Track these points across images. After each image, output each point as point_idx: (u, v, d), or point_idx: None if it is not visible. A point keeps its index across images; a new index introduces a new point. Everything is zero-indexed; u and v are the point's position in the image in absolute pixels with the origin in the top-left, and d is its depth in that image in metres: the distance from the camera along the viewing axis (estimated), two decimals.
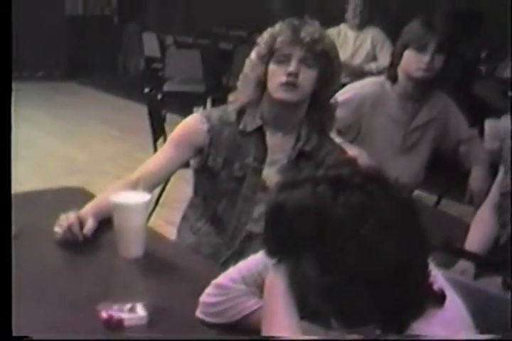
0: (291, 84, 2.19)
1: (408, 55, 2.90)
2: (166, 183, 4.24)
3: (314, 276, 1.24)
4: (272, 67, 2.24)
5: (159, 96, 7.77)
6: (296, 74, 2.19)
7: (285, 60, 2.21)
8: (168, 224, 4.10)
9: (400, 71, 2.98)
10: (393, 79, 3.02)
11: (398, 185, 1.30)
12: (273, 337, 1.37)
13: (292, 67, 2.19)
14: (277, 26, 2.27)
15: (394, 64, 3.00)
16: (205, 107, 7.60)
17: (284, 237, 1.27)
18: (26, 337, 1.42)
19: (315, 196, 1.24)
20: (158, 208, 4.46)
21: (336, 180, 1.25)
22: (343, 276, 1.21)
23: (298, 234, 1.24)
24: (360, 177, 1.26)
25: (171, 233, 2.56)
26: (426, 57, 2.85)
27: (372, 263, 1.19)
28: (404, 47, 2.92)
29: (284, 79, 2.20)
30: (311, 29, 2.22)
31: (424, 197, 4.73)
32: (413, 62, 2.89)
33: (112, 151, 6.78)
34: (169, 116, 7.40)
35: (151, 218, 4.31)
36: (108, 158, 6.47)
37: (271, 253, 1.35)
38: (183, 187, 3.35)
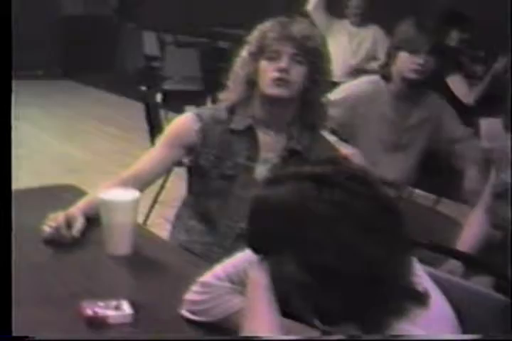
0: (282, 80, 2.18)
1: (401, 56, 2.91)
2: (165, 181, 4.24)
3: (294, 274, 1.23)
4: (262, 63, 2.23)
5: (158, 95, 7.80)
6: (287, 71, 2.18)
7: (276, 56, 2.20)
8: (167, 222, 4.09)
9: (394, 71, 2.98)
10: (387, 78, 3.02)
11: (381, 185, 1.28)
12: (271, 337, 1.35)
13: (283, 62, 2.19)
14: (267, 23, 2.26)
15: (388, 64, 3.00)
16: (204, 105, 7.60)
17: (266, 233, 1.26)
18: (26, 337, 1.41)
19: (298, 192, 1.22)
20: (157, 206, 4.46)
21: (319, 178, 1.24)
22: (322, 274, 1.20)
23: (279, 230, 1.23)
24: (343, 175, 1.24)
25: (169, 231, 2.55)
26: (419, 59, 2.85)
27: (350, 262, 1.18)
28: (397, 49, 2.92)
29: (275, 74, 2.19)
30: (301, 26, 2.22)
31: (424, 196, 4.73)
32: (406, 63, 2.89)
33: (109, 149, 6.77)
34: (170, 115, 7.42)
35: (151, 216, 4.33)
36: (105, 157, 6.45)
37: (254, 249, 1.34)
38: (181, 186, 3.35)
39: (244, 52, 2.30)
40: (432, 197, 4.49)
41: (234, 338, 1.50)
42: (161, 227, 3.70)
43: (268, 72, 2.21)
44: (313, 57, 2.22)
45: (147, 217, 4.28)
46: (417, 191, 4.75)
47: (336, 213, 1.20)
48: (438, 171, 3.62)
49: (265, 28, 2.25)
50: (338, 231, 1.19)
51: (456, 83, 4.92)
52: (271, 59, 2.21)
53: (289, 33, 2.19)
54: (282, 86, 2.19)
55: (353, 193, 1.22)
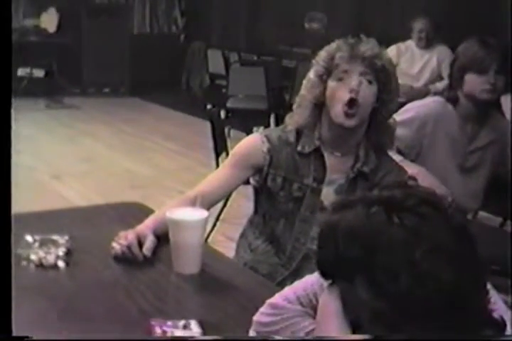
0: (353, 108, 2.15)
1: (470, 78, 2.85)
2: (227, 199, 4.27)
3: (366, 299, 1.21)
4: (331, 84, 2.20)
5: (222, 113, 7.86)
6: (357, 91, 2.15)
7: (345, 76, 2.17)
8: (228, 240, 4.12)
9: (461, 93, 2.93)
10: (453, 101, 2.97)
11: (452, 208, 1.26)
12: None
13: (354, 81, 2.15)
14: (334, 44, 2.24)
15: (454, 87, 2.96)
16: (268, 124, 7.62)
17: (336, 258, 1.25)
18: (26, 337, 1.42)
19: (368, 217, 1.21)
20: (219, 223, 4.49)
21: (389, 202, 1.23)
22: (395, 301, 1.18)
23: (350, 255, 1.22)
24: (413, 199, 1.23)
25: (231, 248, 2.56)
26: (490, 79, 2.80)
27: (424, 288, 1.16)
28: (464, 71, 2.87)
29: (346, 96, 2.15)
30: (369, 45, 2.20)
31: (489, 218, 4.65)
32: (477, 84, 2.84)
33: (173, 166, 6.83)
34: (233, 132, 7.47)
35: (212, 233, 4.35)
36: (170, 173, 6.52)
37: (324, 274, 1.34)
38: (243, 203, 3.36)
39: (311, 74, 2.28)
40: (498, 219, 4.42)
41: (234, 338, 1.51)
42: (223, 245, 3.72)
43: (338, 93, 2.18)
44: (382, 75, 2.19)
45: (209, 234, 4.30)
46: (482, 213, 4.68)
47: (407, 238, 1.18)
48: (504, 193, 3.56)
49: (333, 49, 2.23)
50: (411, 256, 1.17)
51: (504, 101, 4.81)
52: (340, 79, 2.18)
53: (358, 52, 2.17)
54: (354, 115, 2.16)
55: (424, 218, 1.20)
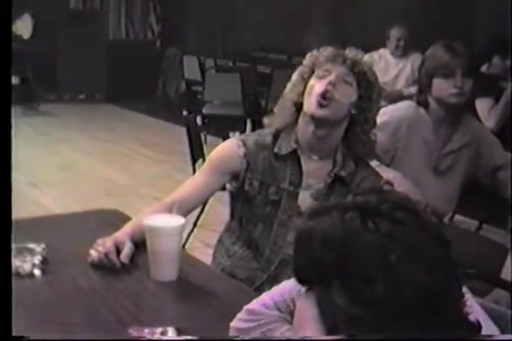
0: (327, 98, 2.17)
1: (437, 82, 2.88)
2: (205, 205, 4.27)
3: (342, 304, 1.22)
4: (311, 82, 2.23)
5: (198, 119, 7.85)
6: (334, 85, 2.18)
7: (326, 74, 2.20)
8: (205, 246, 4.12)
9: (431, 98, 2.95)
10: (424, 105, 2.99)
11: (427, 213, 1.27)
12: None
13: (332, 77, 2.19)
14: (321, 48, 2.28)
15: (423, 91, 2.98)
16: (244, 130, 7.63)
17: (312, 265, 1.26)
18: (22, 336, 1.41)
19: (343, 223, 1.22)
20: (196, 230, 4.48)
21: (364, 207, 1.23)
22: (371, 306, 1.19)
23: (326, 261, 1.22)
24: (388, 204, 1.23)
25: (208, 255, 2.55)
26: (457, 83, 2.83)
27: (400, 293, 1.17)
28: (431, 76, 2.90)
29: (322, 88, 2.18)
30: (354, 52, 2.25)
31: (466, 222, 4.68)
32: (444, 88, 2.87)
33: (150, 173, 6.81)
34: (209, 138, 7.47)
35: (189, 239, 4.35)
36: (147, 180, 6.50)
37: (300, 280, 1.34)
38: (220, 209, 3.36)
39: (294, 74, 2.32)
40: (474, 223, 4.45)
41: (234, 338, 1.52)
42: (200, 251, 3.72)
43: (315, 87, 2.20)
44: (362, 80, 2.22)
45: (186, 240, 4.30)
46: (458, 217, 4.72)
47: (382, 243, 1.19)
48: (480, 197, 3.58)
49: (318, 51, 2.28)
50: (386, 261, 1.18)
51: (479, 106, 4.83)
52: (320, 77, 2.21)
53: (342, 54, 2.22)
54: (326, 106, 2.18)
55: (399, 223, 1.21)
